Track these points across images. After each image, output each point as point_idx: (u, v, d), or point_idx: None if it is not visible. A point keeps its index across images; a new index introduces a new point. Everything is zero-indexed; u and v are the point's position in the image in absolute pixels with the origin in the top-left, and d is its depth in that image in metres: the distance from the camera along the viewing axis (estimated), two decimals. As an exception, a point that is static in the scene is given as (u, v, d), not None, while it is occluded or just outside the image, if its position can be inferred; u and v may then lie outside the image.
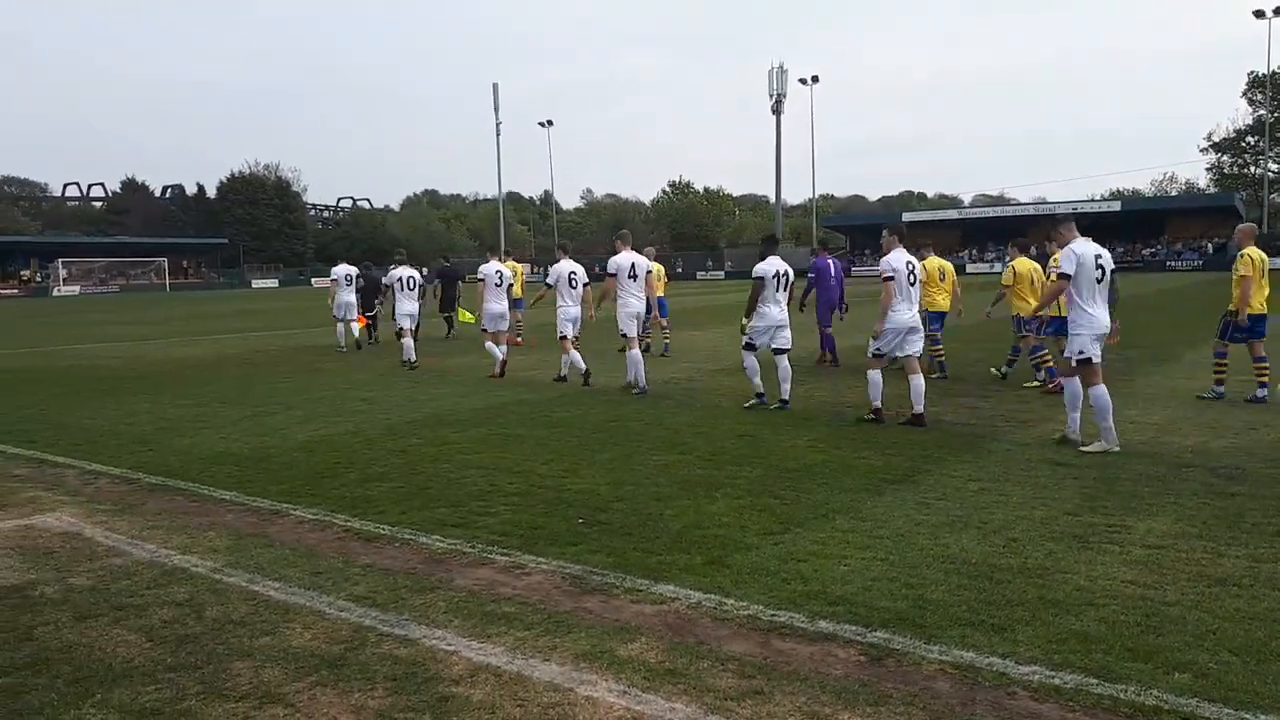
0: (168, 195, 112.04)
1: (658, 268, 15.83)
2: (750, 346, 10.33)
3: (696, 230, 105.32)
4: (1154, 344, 16.30)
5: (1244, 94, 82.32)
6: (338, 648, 4.06)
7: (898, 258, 9.06)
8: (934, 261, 12.70)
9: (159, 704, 3.57)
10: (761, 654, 3.92)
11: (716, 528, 5.70)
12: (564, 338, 12.53)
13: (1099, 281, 7.82)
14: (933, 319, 12.61)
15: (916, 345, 9.13)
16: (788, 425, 9.16)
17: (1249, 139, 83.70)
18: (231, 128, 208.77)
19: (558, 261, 12.93)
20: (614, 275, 12.02)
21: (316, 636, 4.19)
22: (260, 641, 4.15)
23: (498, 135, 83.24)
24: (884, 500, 6.29)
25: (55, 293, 75.93)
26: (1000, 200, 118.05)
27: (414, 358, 15.31)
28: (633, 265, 12.01)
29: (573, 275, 12.59)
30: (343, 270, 19.06)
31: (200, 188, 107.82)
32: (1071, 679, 3.62)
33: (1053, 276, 8.37)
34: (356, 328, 19.07)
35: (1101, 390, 7.67)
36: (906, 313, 9.05)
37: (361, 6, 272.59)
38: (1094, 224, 75.94)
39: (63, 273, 79.76)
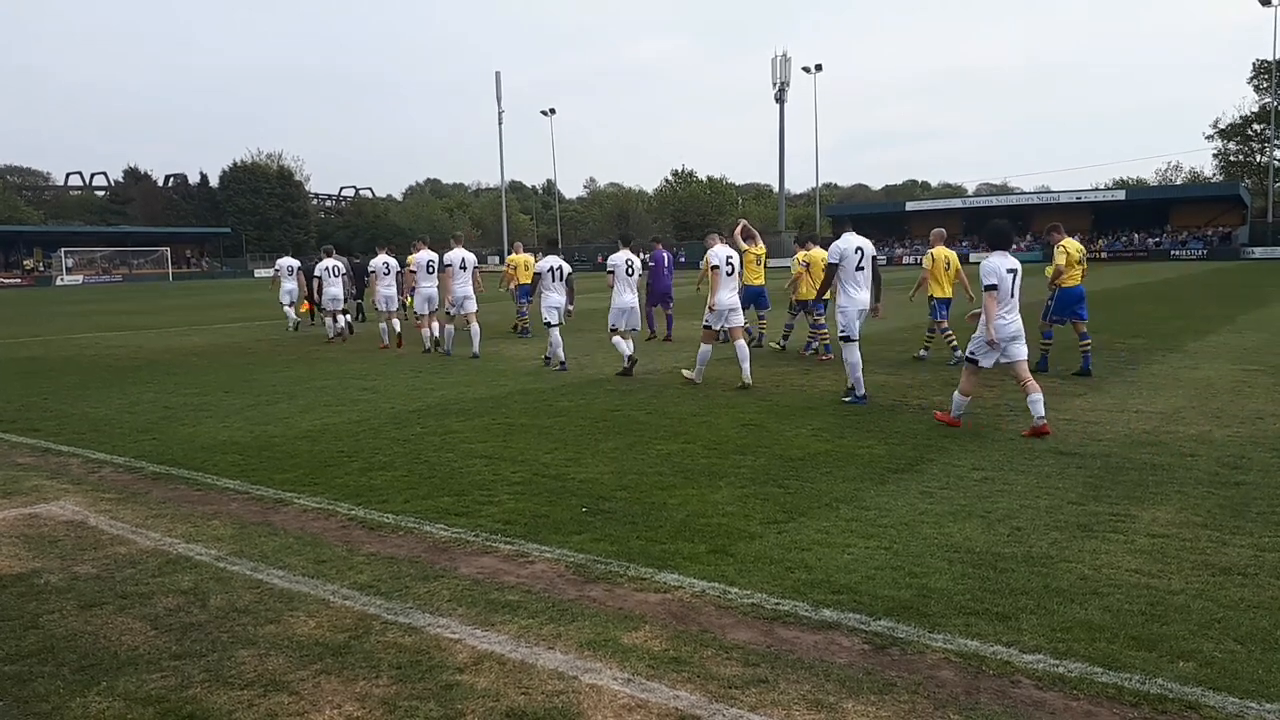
0: (170, 184, 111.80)
1: (524, 259, 19.66)
2: (549, 324, 13.30)
3: (700, 219, 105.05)
4: (1159, 333, 16.27)
5: (1250, 81, 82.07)
6: (342, 636, 4.06)
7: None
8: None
9: (164, 692, 3.57)
10: (765, 642, 3.92)
11: (720, 516, 5.70)
12: (419, 314, 16.06)
13: (729, 275, 11.06)
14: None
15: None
16: (791, 414, 9.15)
17: (1255, 126, 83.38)
18: (234, 117, 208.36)
19: (417, 252, 16.23)
20: (449, 267, 14.92)
21: (321, 625, 4.19)
22: (264, 630, 4.15)
23: (500, 124, 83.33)
24: (888, 489, 6.29)
25: (58, 282, 75.95)
26: (1004, 189, 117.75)
27: (331, 336, 18.55)
28: (463, 260, 14.96)
29: (430, 263, 15.78)
30: (284, 262, 22.57)
31: (203, 176, 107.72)
32: (1076, 667, 3.61)
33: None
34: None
35: (708, 348, 11.06)
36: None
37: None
38: (1098, 212, 76.12)
39: (66, 262, 79.78)
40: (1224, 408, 9.03)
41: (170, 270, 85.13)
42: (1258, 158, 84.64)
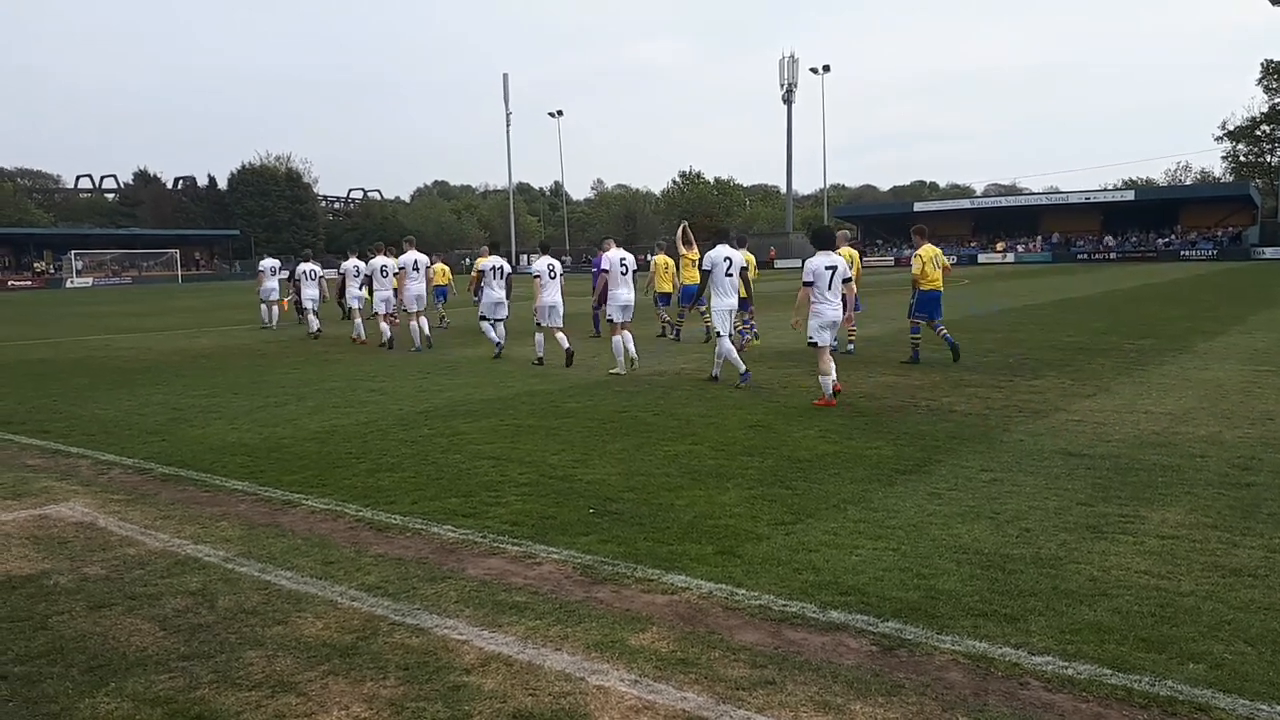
0: (179, 187, 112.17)
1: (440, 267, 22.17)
2: (483, 318, 15.38)
3: (707, 221, 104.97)
4: (1168, 334, 16.21)
5: (1259, 82, 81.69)
6: (350, 637, 4.07)
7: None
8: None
9: (172, 693, 3.59)
10: (773, 644, 3.92)
11: (727, 518, 5.70)
12: (376, 314, 17.79)
13: (624, 275, 12.86)
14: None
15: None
16: (799, 416, 9.14)
17: (1264, 127, 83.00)
18: (242, 120, 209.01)
19: (372, 257, 18.05)
20: (403, 269, 16.90)
21: (328, 626, 4.20)
22: (272, 631, 4.16)
23: (508, 126, 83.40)
24: (896, 490, 6.27)
25: (69, 284, 76.17)
26: (1012, 190, 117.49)
27: (311, 331, 20.16)
28: (415, 261, 16.82)
29: (384, 267, 17.52)
30: (267, 263, 23.86)
31: (211, 179, 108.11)
32: (1085, 669, 3.60)
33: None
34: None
35: (619, 338, 12.72)
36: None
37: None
38: (1108, 213, 75.89)
39: (76, 264, 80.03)
40: (1234, 409, 8.99)
41: (179, 272, 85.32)
42: (1268, 158, 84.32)
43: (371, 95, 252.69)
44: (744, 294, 14.42)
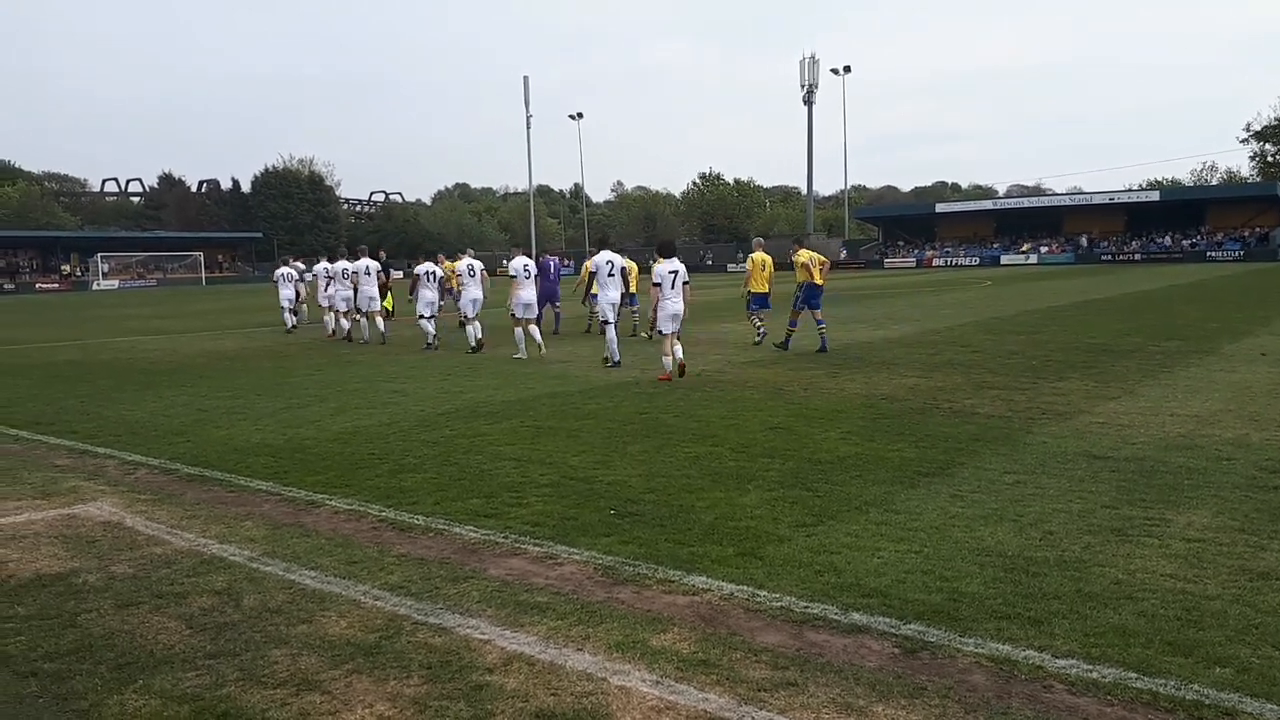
0: (203, 190, 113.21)
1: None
2: (421, 316, 17.76)
3: (727, 222, 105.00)
4: (1194, 336, 16.04)
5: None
6: (373, 636, 4.10)
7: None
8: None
9: (199, 690, 3.62)
10: (794, 645, 3.91)
11: (748, 519, 5.69)
12: (356, 310, 19.76)
13: (527, 278, 15.33)
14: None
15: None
16: (820, 418, 9.11)
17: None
18: (265, 123, 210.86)
19: (337, 261, 20.55)
20: (356, 273, 19.24)
21: (352, 625, 4.23)
22: (297, 630, 4.20)
23: (528, 128, 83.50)
24: (918, 493, 6.25)
25: (95, 287, 77.13)
26: (1035, 191, 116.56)
27: (287, 327, 22.79)
28: (367, 267, 19.22)
29: (345, 270, 19.64)
30: (281, 271, 25.35)
31: (235, 182, 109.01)
32: (1110, 673, 3.57)
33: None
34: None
35: (520, 330, 15.10)
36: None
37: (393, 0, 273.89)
38: (1132, 213, 75.14)
39: (102, 267, 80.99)
40: (1261, 411, 8.88)
41: (204, 274, 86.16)
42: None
43: (391, 98, 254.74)
44: (631, 290, 17.41)
